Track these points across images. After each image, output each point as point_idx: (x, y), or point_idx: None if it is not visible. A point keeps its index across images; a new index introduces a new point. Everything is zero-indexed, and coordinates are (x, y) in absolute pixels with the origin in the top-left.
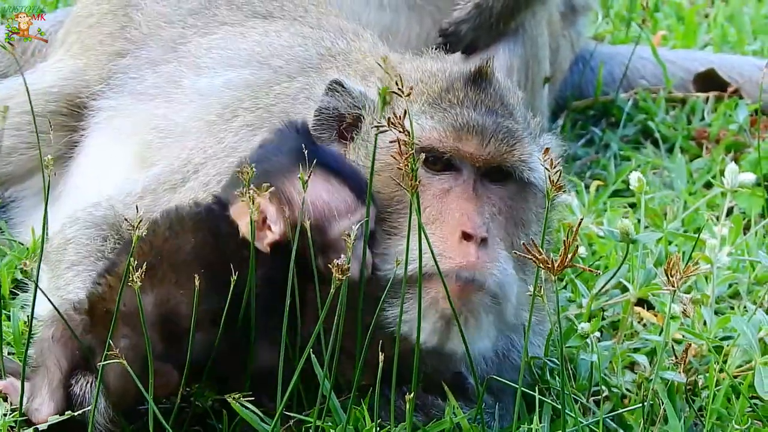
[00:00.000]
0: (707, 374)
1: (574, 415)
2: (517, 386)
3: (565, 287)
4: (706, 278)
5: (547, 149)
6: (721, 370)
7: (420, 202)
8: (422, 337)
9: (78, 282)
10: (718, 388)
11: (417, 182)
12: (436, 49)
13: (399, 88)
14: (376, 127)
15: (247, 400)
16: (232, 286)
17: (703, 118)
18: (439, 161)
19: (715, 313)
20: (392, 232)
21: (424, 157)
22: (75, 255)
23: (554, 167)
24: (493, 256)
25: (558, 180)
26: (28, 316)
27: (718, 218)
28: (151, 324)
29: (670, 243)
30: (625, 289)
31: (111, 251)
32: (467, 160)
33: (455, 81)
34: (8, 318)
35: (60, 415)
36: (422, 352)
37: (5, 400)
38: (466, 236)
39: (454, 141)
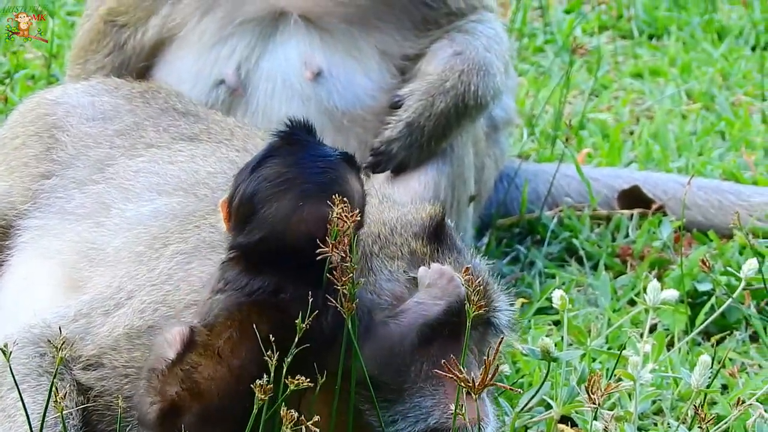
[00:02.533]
0: None
1: None
2: None
3: None
4: (629, 395)
5: (468, 268)
6: None
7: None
8: None
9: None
10: None
11: None
12: (365, 168)
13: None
14: None
15: None
16: None
17: (627, 235)
18: None
19: (639, 429)
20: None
21: None
22: (16, 374)
23: (477, 287)
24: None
25: (479, 300)
26: None
27: (641, 335)
28: None
29: (593, 360)
30: (548, 407)
31: (50, 365)
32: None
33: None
34: None
35: None
36: None
37: None
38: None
39: None
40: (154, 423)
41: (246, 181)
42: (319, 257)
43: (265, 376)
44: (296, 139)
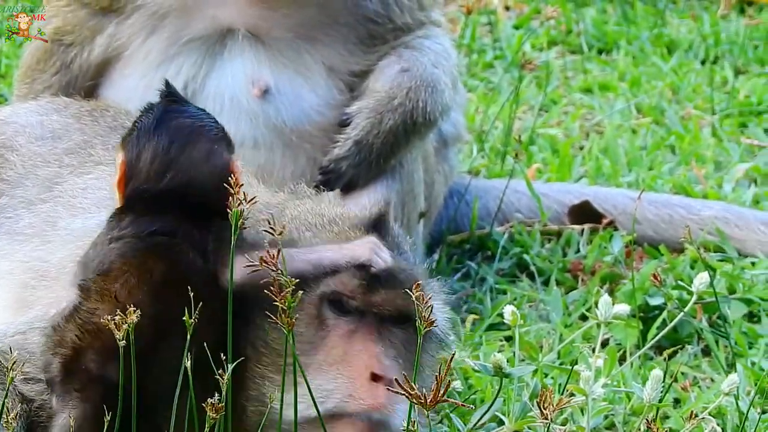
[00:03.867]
0: None
1: None
2: None
3: (441, 422)
4: (582, 410)
5: (418, 284)
6: None
7: (327, 342)
8: None
9: None
10: None
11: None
12: (315, 186)
13: (271, 227)
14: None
15: None
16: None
17: (578, 251)
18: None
19: None
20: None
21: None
22: None
23: (427, 303)
24: (399, 396)
25: (429, 315)
26: None
27: (593, 350)
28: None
29: (546, 375)
30: (501, 423)
31: None
32: (371, 306)
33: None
34: None
35: None
36: None
37: None
38: (375, 377)
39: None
40: (60, 377)
41: (153, 137)
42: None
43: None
44: (176, 98)
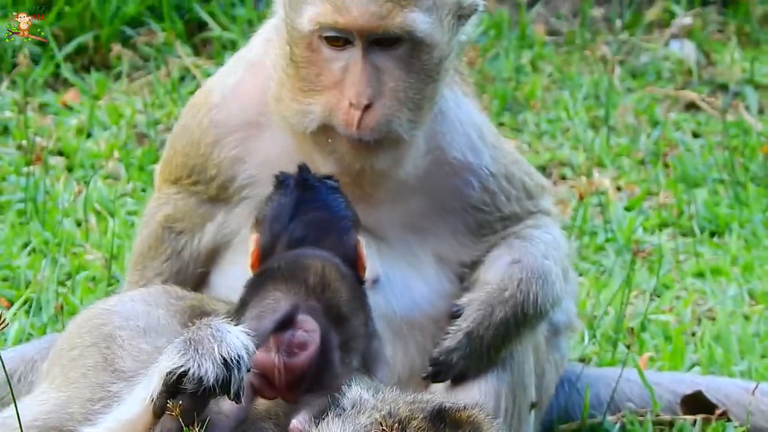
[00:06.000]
0: None
1: None
2: None
3: None
4: None
5: None
6: None
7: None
8: None
9: None
10: None
11: None
12: (425, 377)
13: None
14: None
15: None
16: None
17: None
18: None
19: None
20: None
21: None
22: None
23: None
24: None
25: None
26: None
27: None
28: None
29: None
30: None
31: None
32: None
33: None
34: None
35: None
36: None
37: None
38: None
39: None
40: None
41: (287, 227)
42: None
43: None
44: (310, 183)
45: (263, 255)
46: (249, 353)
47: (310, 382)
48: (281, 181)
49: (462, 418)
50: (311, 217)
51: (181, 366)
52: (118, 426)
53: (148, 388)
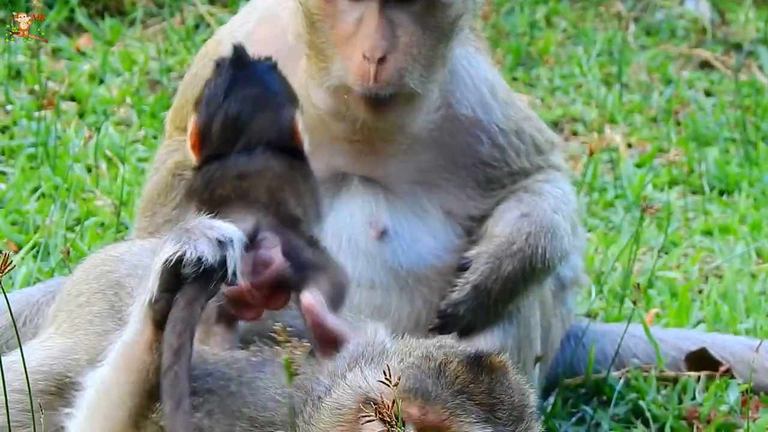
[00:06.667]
0: None
1: None
2: None
3: None
4: None
5: None
6: None
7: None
8: None
9: None
10: None
11: None
12: (432, 329)
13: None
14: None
15: None
16: None
17: (694, 398)
18: None
19: None
20: None
21: None
22: None
23: None
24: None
25: None
26: None
27: None
28: None
29: None
30: None
31: None
32: None
33: None
34: None
35: None
36: None
37: None
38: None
39: None
40: None
41: (222, 105)
42: None
43: None
44: (244, 62)
45: (202, 135)
46: (238, 237)
47: (295, 283)
48: (218, 64)
49: (495, 363)
50: (245, 93)
51: (177, 252)
52: (119, 356)
53: (145, 294)
